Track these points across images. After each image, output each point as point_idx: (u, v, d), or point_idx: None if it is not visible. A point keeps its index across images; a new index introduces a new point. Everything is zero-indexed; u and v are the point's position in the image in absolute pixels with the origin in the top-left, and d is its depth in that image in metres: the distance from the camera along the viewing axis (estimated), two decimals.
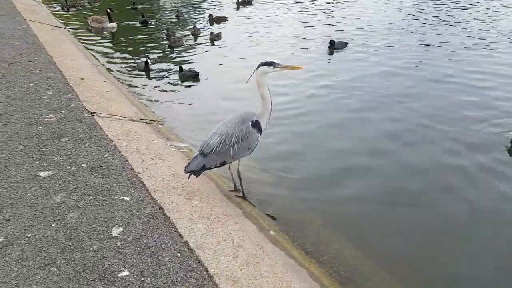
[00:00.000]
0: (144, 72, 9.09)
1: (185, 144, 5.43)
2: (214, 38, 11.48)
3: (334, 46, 10.51)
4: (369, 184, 5.04)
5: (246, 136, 3.96)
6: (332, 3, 16.63)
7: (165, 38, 11.63)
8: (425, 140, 6.10)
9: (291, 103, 7.41)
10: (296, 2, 17.44)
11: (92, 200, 3.72)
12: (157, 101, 7.68)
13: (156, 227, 3.42)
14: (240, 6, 16.18)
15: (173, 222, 3.49)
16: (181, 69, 8.87)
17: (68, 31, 12.09)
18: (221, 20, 13.73)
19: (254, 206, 4.43)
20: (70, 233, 3.32)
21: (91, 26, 12.65)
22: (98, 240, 3.25)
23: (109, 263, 3.02)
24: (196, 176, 4.11)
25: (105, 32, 12.54)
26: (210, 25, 13.44)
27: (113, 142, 4.77)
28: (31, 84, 6.34)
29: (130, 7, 15.45)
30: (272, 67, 3.86)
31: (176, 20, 13.74)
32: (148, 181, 4.07)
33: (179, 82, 8.68)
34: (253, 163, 5.35)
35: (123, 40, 12.10)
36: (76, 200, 3.71)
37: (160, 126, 6.00)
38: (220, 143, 3.93)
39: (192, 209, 3.80)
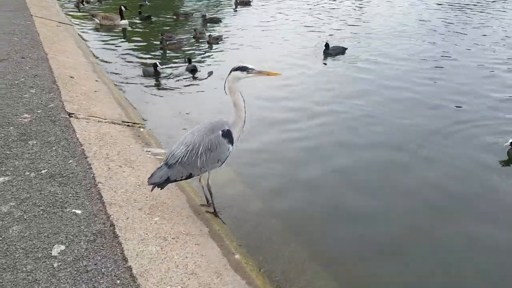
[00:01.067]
0: (154, 77, 8.53)
1: (164, 151, 5.08)
2: (213, 41, 10.97)
3: (329, 51, 10.03)
4: (359, 208, 4.57)
5: (215, 146, 3.58)
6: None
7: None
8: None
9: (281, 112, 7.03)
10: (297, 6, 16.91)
11: (41, 212, 3.40)
12: (148, 103, 7.39)
13: (101, 248, 3.08)
14: (238, 6, 15.74)
15: (121, 242, 3.14)
16: (189, 61, 9.03)
17: (74, 28, 11.93)
18: (214, 21, 13.36)
19: (225, 223, 4.04)
20: (7, 249, 3.01)
21: (100, 24, 12.49)
22: (34, 259, 2.92)
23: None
24: (161, 189, 3.76)
25: (116, 30, 12.35)
26: (203, 26, 12.96)
27: (82, 147, 4.46)
28: (16, 82, 6.11)
29: (139, 3, 15.29)
30: (245, 72, 3.48)
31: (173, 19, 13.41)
32: (107, 193, 3.73)
33: (178, 85, 8.31)
34: (233, 174, 4.97)
35: (134, 38, 11.87)
36: (25, 211, 3.41)
37: (142, 130, 5.68)
38: (186, 154, 3.56)
39: (149, 227, 3.44)
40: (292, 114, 7.00)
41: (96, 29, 12.40)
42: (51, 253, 2.99)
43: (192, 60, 9.15)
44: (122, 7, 12.69)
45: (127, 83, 8.27)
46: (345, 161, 5.49)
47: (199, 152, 3.55)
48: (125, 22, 12.62)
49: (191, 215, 3.92)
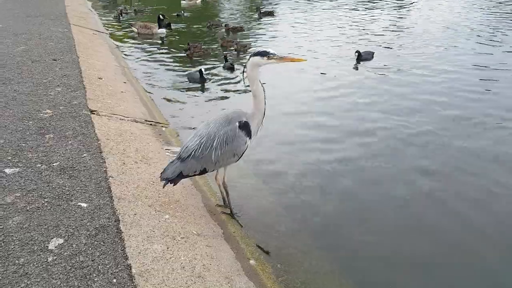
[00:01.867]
0: (199, 83, 8.26)
1: None
2: (241, 49, 10.80)
3: (361, 58, 9.53)
4: (392, 222, 4.10)
5: (232, 139, 3.28)
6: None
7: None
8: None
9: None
10: (315, 15, 16.39)
11: (45, 204, 3.19)
12: (176, 104, 7.20)
13: (102, 243, 2.81)
14: (262, 16, 15.48)
15: (124, 238, 2.86)
16: (226, 59, 9.15)
17: (110, 37, 12.12)
18: (236, 30, 13.14)
19: (242, 226, 3.71)
20: (3, 240, 2.80)
21: (138, 33, 12.64)
22: (29, 252, 2.69)
23: (28, 282, 2.44)
24: (173, 185, 3.47)
25: (154, 38, 12.44)
26: (226, 35, 12.84)
27: (99, 142, 4.28)
28: (44, 81, 6.09)
29: (175, 13, 15.43)
30: (265, 57, 3.18)
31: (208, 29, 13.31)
32: (117, 187, 3.48)
33: (216, 89, 8.08)
34: (256, 178, 4.63)
35: (166, 45, 11.88)
36: (29, 202, 3.20)
37: (164, 129, 5.47)
38: (200, 146, 3.28)
39: (157, 224, 3.16)
40: (328, 130, 6.24)
41: (133, 38, 12.52)
42: (47, 247, 2.75)
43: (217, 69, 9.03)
44: (160, 16, 12.83)
45: (157, 86, 8.17)
46: (381, 178, 4.84)
47: (214, 144, 3.26)
48: (162, 30, 12.73)
49: (205, 215, 3.62)
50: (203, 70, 8.26)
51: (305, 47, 11.03)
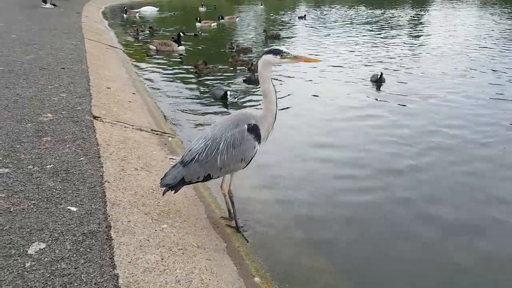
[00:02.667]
0: (222, 101, 7.77)
1: None
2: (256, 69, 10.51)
3: (382, 80, 8.91)
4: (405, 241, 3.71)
5: (239, 142, 2.98)
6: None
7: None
8: None
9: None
10: (326, 36, 16.13)
11: (31, 206, 2.90)
12: (186, 116, 6.91)
13: (88, 250, 2.49)
14: (268, 39, 15.32)
15: (114, 246, 2.53)
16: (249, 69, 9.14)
17: (124, 52, 12.06)
18: (246, 50, 12.90)
19: (247, 241, 3.36)
20: None
21: (157, 50, 12.52)
22: (5, 256, 2.38)
23: None
24: (174, 192, 3.17)
25: (174, 55, 12.38)
26: (236, 54, 12.33)
27: (98, 147, 4.00)
28: (49, 87, 5.91)
29: (193, 33, 15.46)
30: (278, 56, 2.92)
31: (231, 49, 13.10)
32: (112, 193, 3.18)
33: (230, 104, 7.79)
34: (263, 185, 4.30)
35: (181, 61, 11.75)
36: (13, 203, 2.92)
37: (170, 139, 5.19)
38: (205, 150, 2.98)
39: (153, 233, 2.83)
40: (342, 162, 5.39)
41: (147, 54, 12.36)
42: (27, 251, 2.44)
43: (232, 86, 8.78)
44: (181, 33, 12.88)
45: (168, 98, 7.90)
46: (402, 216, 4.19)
47: (220, 148, 2.96)
48: (182, 48, 12.69)
49: (207, 226, 3.28)
50: (228, 93, 7.73)
51: (312, 68, 10.74)
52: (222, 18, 20.01)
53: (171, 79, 9.50)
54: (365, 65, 10.91)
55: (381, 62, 11.26)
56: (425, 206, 4.28)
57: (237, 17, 20.83)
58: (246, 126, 3.00)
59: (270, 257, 3.25)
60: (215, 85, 8.80)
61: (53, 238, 2.57)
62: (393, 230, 3.84)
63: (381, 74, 8.95)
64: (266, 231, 3.63)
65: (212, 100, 7.80)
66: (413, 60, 11.75)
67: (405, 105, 7.58)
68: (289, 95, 8.11)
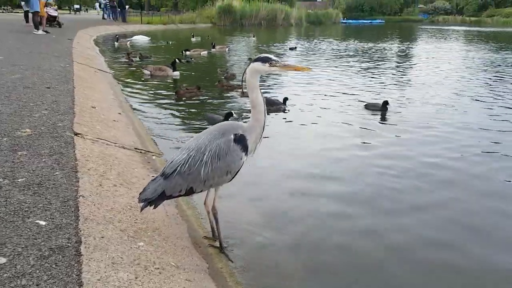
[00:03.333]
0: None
1: None
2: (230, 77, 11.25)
3: (385, 108, 8.62)
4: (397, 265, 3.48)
5: (225, 153, 2.80)
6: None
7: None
8: None
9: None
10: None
11: None
12: (180, 136, 6.70)
13: (53, 266, 2.24)
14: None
15: (83, 262, 2.29)
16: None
17: (114, 77, 11.92)
18: (234, 77, 12.66)
19: (232, 262, 3.11)
20: None
21: (151, 75, 12.41)
22: None
23: None
24: (153, 208, 2.95)
25: (167, 80, 12.29)
26: (225, 80, 12.22)
27: (76, 162, 3.78)
28: (31, 104, 5.71)
29: (185, 60, 15.47)
30: (267, 64, 2.79)
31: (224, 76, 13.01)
32: (86, 208, 2.95)
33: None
34: (252, 203, 4.08)
35: (168, 86, 11.61)
36: None
37: (154, 157, 4.99)
38: (188, 161, 2.79)
39: (127, 251, 2.59)
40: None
41: (142, 80, 12.15)
42: None
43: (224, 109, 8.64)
44: (177, 59, 12.91)
45: (156, 120, 7.64)
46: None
47: (204, 159, 2.77)
48: (177, 73, 12.63)
49: (188, 246, 3.05)
50: (234, 114, 7.35)
51: (302, 94, 10.69)
52: (214, 47, 20.19)
53: (160, 102, 9.28)
54: (357, 94, 10.85)
55: (373, 91, 11.21)
56: (426, 253, 3.68)
57: (227, 47, 21.06)
58: (232, 136, 2.83)
59: (256, 279, 3.00)
60: (206, 108, 8.69)
61: (16, 253, 2.32)
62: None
63: (387, 102, 8.54)
64: (251, 252, 3.39)
65: (204, 123, 7.60)
66: (403, 89, 11.74)
67: (399, 136, 7.27)
68: (289, 121, 8.03)
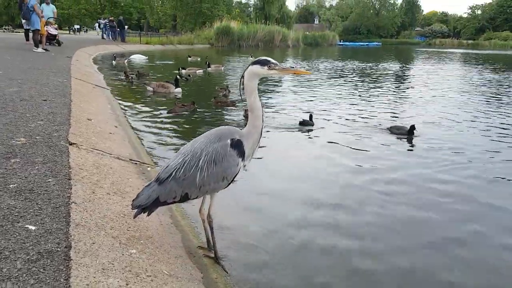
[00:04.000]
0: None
1: None
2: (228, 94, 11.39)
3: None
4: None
5: (222, 158, 2.74)
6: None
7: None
8: None
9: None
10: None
11: None
12: (174, 146, 6.65)
13: (41, 270, 2.16)
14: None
15: (72, 267, 2.20)
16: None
17: (112, 92, 11.92)
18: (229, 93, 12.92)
19: (227, 272, 3.02)
20: None
21: (154, 92, 12.43)
22: None
23: None
24: (147, 215, 2.87)
25: (170, 97, 12.28)
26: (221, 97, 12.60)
27: (70, 170, 3.71)
28: (27, 115, 5.66)
29: (184, 78, 15.52)
30: (266, 67, 2.76)
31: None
32: (78, 214, 2.87)
33: None
34: (249, 213, 3.99)
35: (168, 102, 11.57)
36: None
37: (149, 169, 4.92)
38: (183, 165, 2.73)
39: (119, 257, 2.51)
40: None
41: (143, 96, 12.13)
42: None
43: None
44: (178, 76, 13.00)
45: (154, 134, 7.60)
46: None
47: (200, 164, 2.71)
48: (179, 90, 12.68)
49: (182, 255, 2.96)
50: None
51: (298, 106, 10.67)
52: (209, 66, 20.36)
53: (157, 117, 9.25)
54: (365, 116, 10.68)
55: (378, 113, 10.99)
56: None
57: (223, 66, 21.28)
58: (229, 141, 2.78)
59: None
60: (201, 123, 8.67)
61: (2, 256, 2.24)
62: None
63: (413, 126, 7.92)
64: (248, 263, 3.30)
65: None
66: (411, 109, 11.66)
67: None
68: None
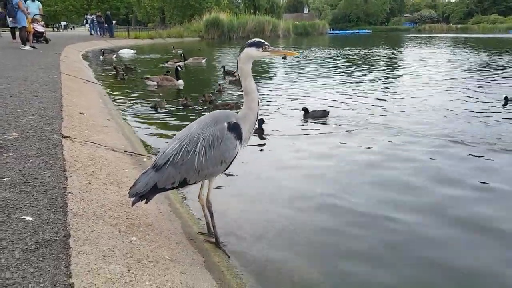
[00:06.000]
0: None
1: None
2: (222, 90, 11.18)
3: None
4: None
5: (219, 141, 2.71)
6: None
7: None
8: None
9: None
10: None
11: None
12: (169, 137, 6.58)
13: (41, 259, 2.12)
14: (225, 75, 14.75)
15: (71, 255, 2.17)
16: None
17: (103, 87, 11.79)
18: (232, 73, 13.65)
19: (229, 256, 3.01)
20: None
21: (158, 85, 12.22)
22: None
23: None
24: (145, 202, 2.84)
25: (173, 89, 12.18)
26: (223, 78, 13.45)
27: (65, 162, 3.66)
28: (18, 110, 5.58)
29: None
30: (260, 49, 2.73)
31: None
32: (75, 204, 2.84)
33: None
34: (249, 198, 3.96)
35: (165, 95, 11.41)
36: None
37: (145, 159, 4.87)
38: (181, 150, 2.70)
39: (119, 244, 2.48)
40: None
41: (151, 90, 11.97)
42: None
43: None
44: (178, 67, 12.83)
45: (148, 125, 7.53)
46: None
47: (197, 148, 2.68)
48: (181, 82, 12.53)
49: (182, 241, 2.94)
50: (264, 119, 7.07)
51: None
52: (185, 59, 19.73)
53: (150, 110, 9.18)
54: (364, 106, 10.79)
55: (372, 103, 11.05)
56: None
57: (203, 58, 20.42)
58: (226, 124, 2.75)
59: (255, 273, 2.89)
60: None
61: (0, 247, 2.20)
62: None
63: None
64: (249, 247, 3.28)
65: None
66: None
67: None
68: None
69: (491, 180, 4.98)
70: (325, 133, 7.31)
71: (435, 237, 3.63)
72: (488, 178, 5.03)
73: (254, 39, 2.77)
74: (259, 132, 6.97)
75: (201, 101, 9.90)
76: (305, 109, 8.27)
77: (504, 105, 9.31)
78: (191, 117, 8.33)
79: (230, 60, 22.16)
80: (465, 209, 4.21)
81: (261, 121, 6.91)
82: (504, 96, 9.57)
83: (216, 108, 9.69)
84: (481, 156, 5.85)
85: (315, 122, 8.05)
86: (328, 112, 8.36)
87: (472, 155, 5.92)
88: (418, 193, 4.65)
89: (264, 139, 6.76)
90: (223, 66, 15.58)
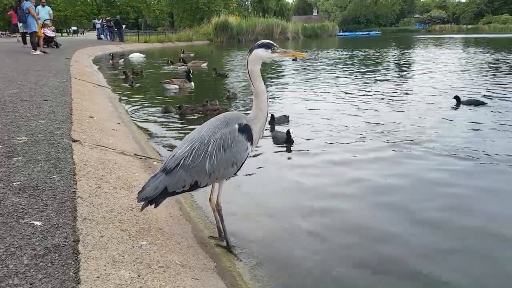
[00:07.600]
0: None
1: None
2: (232, 96, 10.65)
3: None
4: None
5: (230, 143, 2.66)
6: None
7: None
8: None
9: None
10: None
11: None
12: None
13: (49, 265, 2.08)
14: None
15: (81, 260, 2.13)
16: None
17: (113, 91, 11.81)
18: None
19: (241, 260, 2.93)
20: None
21: (179, 89, 12.06)
22: None
23: None
24: (154, 207, 2.79)
25: (186, 92, 12.18)
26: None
27: (74, 166, 3.64)
28: (28, 115, 5.59)
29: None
30: (270, 50, 2.69)
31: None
32: (84, 208, 2.80)
33: None
34: (259, 202, 3.89)
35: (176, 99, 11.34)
36: None
37: (155, 163, 4.83)
38: (192, 153, 2.64)
39: (129, 249, 2.43)
40: None
41: (174, 93, 11.92)
42: None
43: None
44: (190, 70, 12.94)
45: (156, 126, 7.49)
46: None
47: (209, 150, 2.63)
48: (192, 84, 12.47)
49: (193, 245, 2.88)
50: (290, 131, 6.50)
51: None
52: (186, 63, 19.19)
53: (161, 114, 9.12)
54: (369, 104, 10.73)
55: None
56: None
57: (204, 63, 19.91)
58: (237, 125, 2.69)
59: (267, 278, 2.82)
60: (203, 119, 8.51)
61: (9, 253, 2.17)
62: None
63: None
64: (261, 251, 3.21)
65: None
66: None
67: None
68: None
69: None
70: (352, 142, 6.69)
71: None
72: None
73: (263, 41, 2.73)
74: (288, 145, 6.38)
75: (200, 110, 9.05)
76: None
77: (457, 106, 8.81)
78: (201, 120, 8.30)
79: (237, 66, 22.10)
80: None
81: (287, 133, 6.40)
82: (455, 96, 9.02)
83: (206, 111, 9.12)
84: None
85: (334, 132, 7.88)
86: (288, 116, 7.94)
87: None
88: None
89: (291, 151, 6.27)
90: (214, 69, 15.50)
